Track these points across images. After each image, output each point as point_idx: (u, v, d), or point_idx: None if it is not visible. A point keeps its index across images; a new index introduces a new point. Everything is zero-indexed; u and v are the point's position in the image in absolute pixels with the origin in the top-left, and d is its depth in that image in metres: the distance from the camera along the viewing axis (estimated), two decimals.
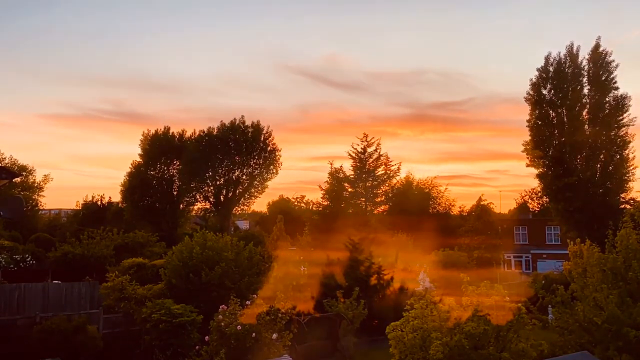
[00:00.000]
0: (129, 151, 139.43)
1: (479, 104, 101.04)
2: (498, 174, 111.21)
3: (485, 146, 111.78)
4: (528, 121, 39.39)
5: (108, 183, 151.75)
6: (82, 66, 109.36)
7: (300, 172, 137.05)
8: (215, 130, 55.29)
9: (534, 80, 39.23)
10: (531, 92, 39.21)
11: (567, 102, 37.93)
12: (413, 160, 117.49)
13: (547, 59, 39.12)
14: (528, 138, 39.55)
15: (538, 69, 39.22)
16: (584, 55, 38.21)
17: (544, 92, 38.89)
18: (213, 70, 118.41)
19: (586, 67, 38.01)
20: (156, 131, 55.75)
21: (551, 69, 38.81)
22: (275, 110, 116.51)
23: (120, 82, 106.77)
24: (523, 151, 40.07)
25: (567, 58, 38.54)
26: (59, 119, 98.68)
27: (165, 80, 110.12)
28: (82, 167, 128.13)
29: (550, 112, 38.72)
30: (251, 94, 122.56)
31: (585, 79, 38.02)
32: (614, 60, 37.35)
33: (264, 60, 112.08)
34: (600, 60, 37.55)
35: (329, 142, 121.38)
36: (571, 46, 38.57)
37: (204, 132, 55.54)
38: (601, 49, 37.68)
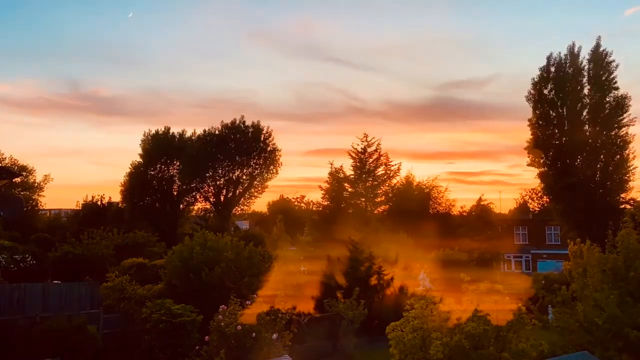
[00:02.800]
0: (101, 143, 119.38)
1: (504, 84, 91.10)
2: (520, 170, 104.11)
3: (509, 135, 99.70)
4: (529, 120, 39.42)
5: (92, 180, 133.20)
6: (21, 38, 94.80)
7: (303, 167, 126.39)
8: (216, 130, 55.48)
9: (535, 79, 39.24)
10: (532, 92, 39.24)
11: (567, 102, 37.92)
12: (427, 154, 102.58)
13: (548, 58, 39.10)
14: (529, 137, 39.60)
15: (540, 69, 39.23)
16: (584, 55, 38.25)
17: (545, 91, 38.90)
18: (183, 42, 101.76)
19: (586, 67, 38.01)
20: (157, 131, 55.92)
21: (552, 69, 38.81)
22: (268, 92, 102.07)
23: (72, 57, 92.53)
24: (525, 148, 40.14)
25: (568, 58, 38.54)
26: (12, 104, 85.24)
27: (125, 54, 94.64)
28: (55, 161, 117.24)
29: (551, 111, 38.72)
30: (234, 71, 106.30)
31: (585, 79, 38.02)
32: (614, 60, 37.38)
33: (244, 30, 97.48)
34: (600, 61, 37.53)
35: (337, 133, 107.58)
36: (572, 46, 38.61)
37: (205, 131, 55.86)
38: (601, 49, 37.68)
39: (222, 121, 55.72)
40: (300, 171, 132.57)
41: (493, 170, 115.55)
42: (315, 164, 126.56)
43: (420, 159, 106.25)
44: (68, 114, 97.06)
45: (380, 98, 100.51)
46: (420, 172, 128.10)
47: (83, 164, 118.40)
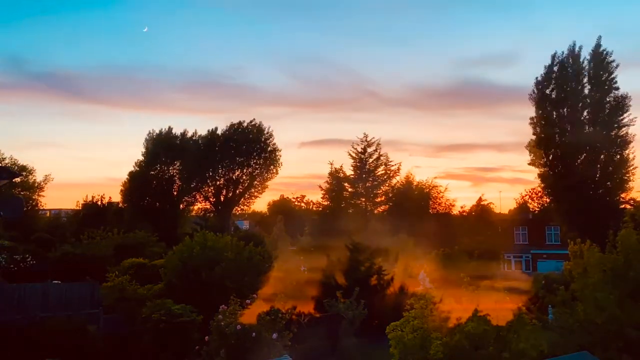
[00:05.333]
0: (76, 134, 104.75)
1: (530, 61, 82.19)
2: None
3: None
4: (531, 119, 39.42)
5: (73, 177, 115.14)
6: None
7: (302, 161, 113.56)
8: (219, 131, 55.80)
9: (539, 78, 39.24)
10: (535, 91, 39.25)
11: (568, 101, 37.94)
12: (444, 146, 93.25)
13: (553, 57, 39.10)
14: (532, 137, 39.66)
15: (545, 66, 39.19)
16: (585, 55, 38.24)
17: (547, 91, 38.92)
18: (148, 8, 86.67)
19: (587, 67, 37.98)
20: (160, 131, 56.11)
21: (555, 68, 38.80)
22: (259, 71, 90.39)
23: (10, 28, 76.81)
24: (527, 147, 40.19)
25: (569, 58, 38.52)
26: None
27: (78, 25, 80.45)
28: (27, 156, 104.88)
29: (553, 111, 38.74)
30: (212, 42, 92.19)
31: (586, 79, 38.00)
32: (614, 60, 37.36)
33: None
34: (600, 60, 37.51)
35: (343, 120, 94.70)
36: (573, 46, 38.56)
37: (210, 131, 56.07)
38: (601, 48, 37.62)
39: (230, 122, 56.31)
40: (302, 165, 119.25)
41: (513, 166, 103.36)
42: (316, 157, 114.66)
43: (437, 152, 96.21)
44: (27, 100, 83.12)
45: (393, 79, 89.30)
46: (435, 167, 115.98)
47: (60, 158, 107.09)
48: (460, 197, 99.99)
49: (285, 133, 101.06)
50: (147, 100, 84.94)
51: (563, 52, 38.81)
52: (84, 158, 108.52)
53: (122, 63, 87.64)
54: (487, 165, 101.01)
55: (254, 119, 57.07)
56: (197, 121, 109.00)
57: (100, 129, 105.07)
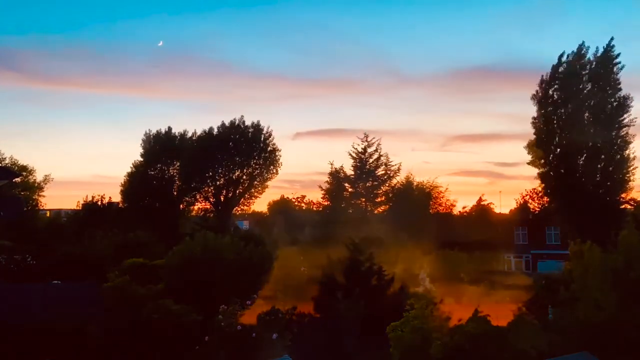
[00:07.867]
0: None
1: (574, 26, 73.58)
2: None
3: None
4: (533, 119, 39.48)
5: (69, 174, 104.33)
6: None
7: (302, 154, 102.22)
8: (216, 131, 55.69)
9: (544, 78, 39.26)
10: (538, 90, 39.29)
11: (570, 102, 37.98)
12: (464, 136, 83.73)
13: (560, 58, 39.18)
14: (533, 136, 39.67)
15: (553, 66, 39.20)
16: (590, 56, 38.27)
17: (551, 91, 38.95)
18: None
19: (591, 68, 38.00)
20: (157, 131, 56.12)
21: (561, 69, 38.84)
22: (249, 43, 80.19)
23: None
24: (526, 147, 40.24)
25: (575, 58, 38.56)
26: None
27: None
28: None
29: (555, 111, 38.77)
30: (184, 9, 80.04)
31: (589, 80, 38.03)
32: (619, 62, 37.42)
33: None
34: (605, 61, 37.56)
35: (353, 105, 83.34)
36: (581, 46, 38.63)
37: (205, 131, 55.97)
38: (612, 50, 37.61)
39: (222, 122, 56.05)
40: (302, 160, 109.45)
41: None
42: (316, 149, 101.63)
43: (450, 144, 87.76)
44: None
45: (411, 53, 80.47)
46: (447, 162, 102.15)
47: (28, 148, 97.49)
48: (474, 195, 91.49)
49: (280, 120, 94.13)
50: (116, 80, 75.01)
51: (571, 52, 38.95)
52: (58, 150, 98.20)
53: (73, 35, 76.59)
54: (506, 160, 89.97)
55: (242, 115, 56.50)
56: (181, 106, 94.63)
57: (61, 114, 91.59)
